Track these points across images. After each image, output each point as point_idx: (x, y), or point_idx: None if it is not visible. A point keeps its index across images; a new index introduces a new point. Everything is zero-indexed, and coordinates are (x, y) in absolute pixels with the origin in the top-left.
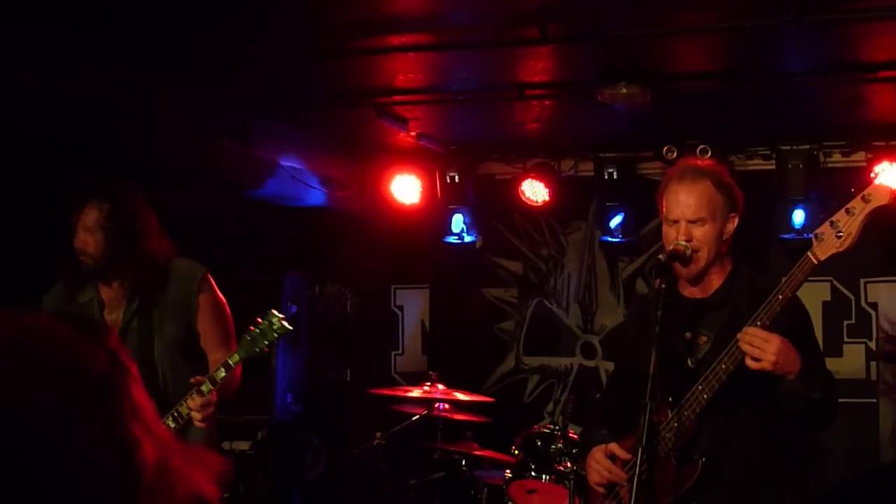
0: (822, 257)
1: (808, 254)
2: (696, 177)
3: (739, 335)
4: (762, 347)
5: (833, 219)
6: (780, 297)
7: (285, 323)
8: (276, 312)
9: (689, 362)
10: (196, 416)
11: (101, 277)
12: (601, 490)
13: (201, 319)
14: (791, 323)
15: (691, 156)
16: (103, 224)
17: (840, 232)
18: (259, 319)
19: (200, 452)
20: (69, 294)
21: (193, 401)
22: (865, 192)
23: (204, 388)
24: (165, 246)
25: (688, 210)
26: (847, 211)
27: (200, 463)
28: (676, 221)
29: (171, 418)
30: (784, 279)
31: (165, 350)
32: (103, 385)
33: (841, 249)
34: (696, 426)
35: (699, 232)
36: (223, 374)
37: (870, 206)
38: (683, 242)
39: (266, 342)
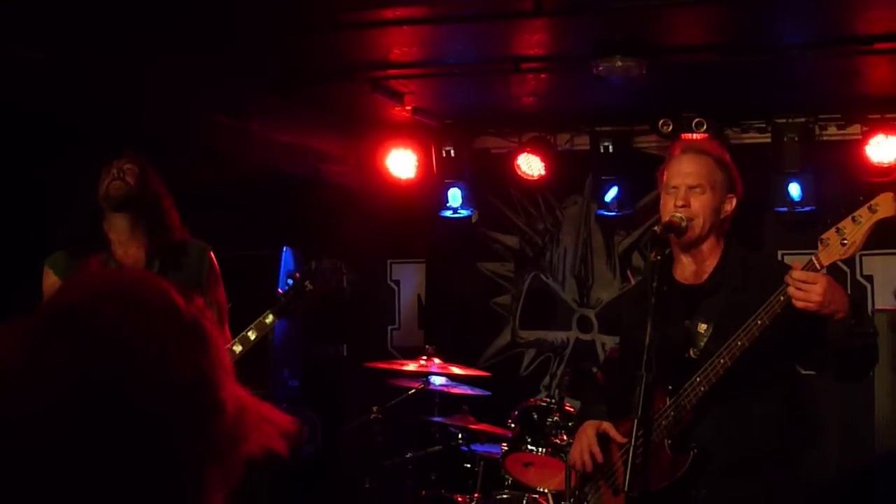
0: (826, 263)
1: (813, 259)
2: (699, 152)
3: (787, 279)
4: (807, 289)
5: (839, 225)
6: (782, 298)
7: (312, 286)
8: (299, 276)
9: (692, 352)
10: None
11: (133, 207)
12: (578, 468)
13: (208, 296)
14: (795, 314)
15: (690, 131)
16: (141, 167)
17: (845, 240)
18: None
19: (271, 409)
20: (76, 256)
21: None
22: (873, 202)
23: (236, 348)
24: (180, 222)
25: (688, 177)
26: (853, 219)
27: (271, 418)
28: (675, 188)
29: None
30: (786, 282)
31: None
32: (193, 330)
33: (845, 257)
34: (694, 416)
35: (697, 201)
36: (255, 335)
37: (876, 217)
38: (679, 214)
39: (303, 302)
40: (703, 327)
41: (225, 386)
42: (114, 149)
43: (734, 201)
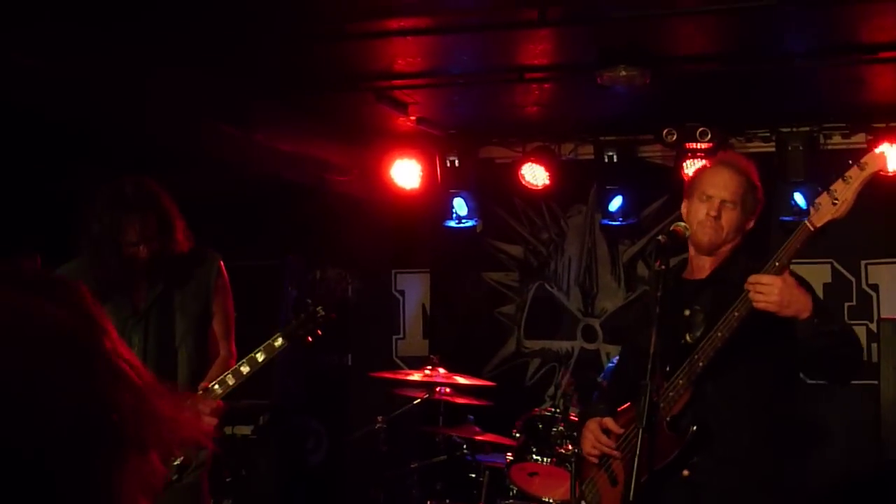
0: (818, 224)
1: (805, 221)
2: (738, 170)
3: (746, 284)
4: (764, 291)
5: (831, 188)
6: (777, 264)
7: (324, 312)
8: (313, 302)
9: (688, 338)
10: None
11: (147, 272)
12: (594, 460)
13: (216, 304)
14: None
15: (694, 140)
16: (147, 235)
17: (836, 199)
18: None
19: (186, 396)
20: (88, 270)
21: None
22: (862, 160)
23: (244, 368)
24: (186, 235)
25: (726, 191)
26: (843, 179)
27: (189, 406)
28: (710, 198)
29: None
30: (781, 247)
31: (188, 328)
32: (64, 339)
33: (836, 216)
34: (690, 396)
35: (727, 215)
36: (263, 357)
37: (865, 173)
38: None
39: (314, 327)
40: (699, 317)
41: (117, 383)
42: (123, 168)
43: (753, 222)
